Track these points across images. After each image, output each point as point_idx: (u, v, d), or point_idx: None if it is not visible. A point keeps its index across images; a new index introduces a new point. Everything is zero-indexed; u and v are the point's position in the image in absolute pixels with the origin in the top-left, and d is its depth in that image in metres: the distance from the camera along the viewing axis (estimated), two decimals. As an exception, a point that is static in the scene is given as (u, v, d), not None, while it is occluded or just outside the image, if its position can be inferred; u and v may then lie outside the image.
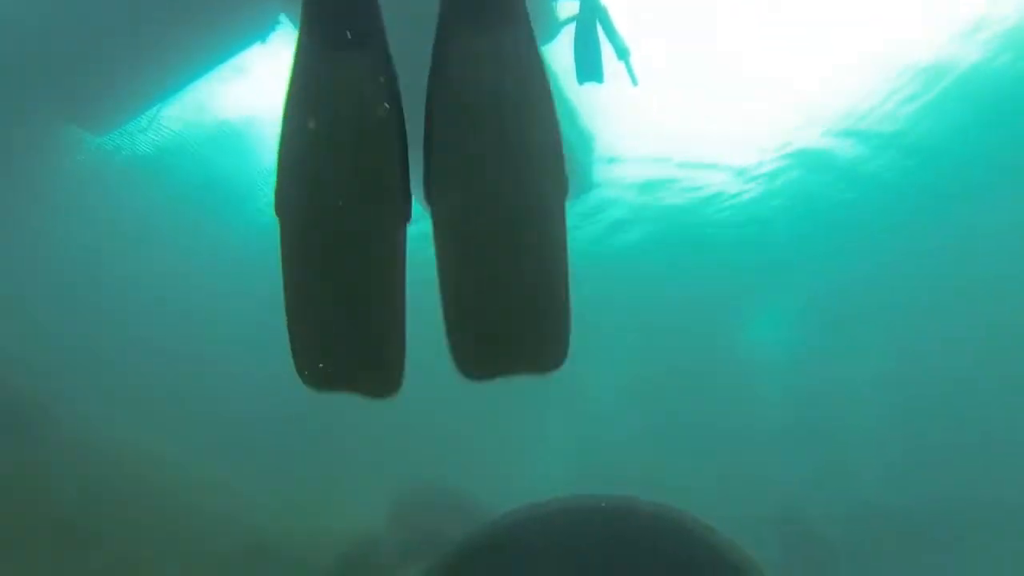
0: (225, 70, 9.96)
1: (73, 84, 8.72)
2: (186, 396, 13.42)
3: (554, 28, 7.49)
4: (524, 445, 18.23)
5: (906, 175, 13.82)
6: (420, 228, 1.66)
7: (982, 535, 11.42)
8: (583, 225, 15.12)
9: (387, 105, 1.56)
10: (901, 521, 12.36)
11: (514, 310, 1.62)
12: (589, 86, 6.46)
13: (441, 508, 10.20)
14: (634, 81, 6.31)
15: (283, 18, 8.44)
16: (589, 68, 6.35)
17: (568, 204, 1.65)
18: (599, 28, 6.15)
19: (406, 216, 1.64)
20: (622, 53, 6.22)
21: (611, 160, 13.30)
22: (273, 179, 1.63)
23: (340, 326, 1.64)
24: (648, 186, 14.62)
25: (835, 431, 15.74)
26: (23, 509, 6.43)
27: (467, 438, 16.26)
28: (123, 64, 8.56)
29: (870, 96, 12.19)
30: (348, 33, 1.54)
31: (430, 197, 1.63)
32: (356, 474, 12.99)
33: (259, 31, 8.77)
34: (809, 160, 13.86)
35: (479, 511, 10.67)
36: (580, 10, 6.29)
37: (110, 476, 8.49)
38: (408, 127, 1.62)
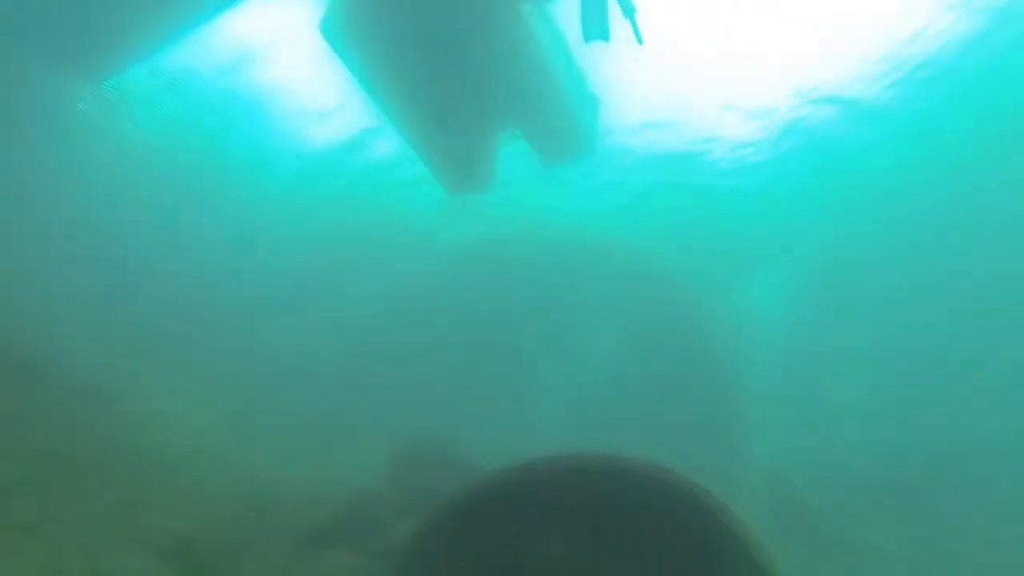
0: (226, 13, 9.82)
1: (70, 28, 8.54)
2: (190, 347, 13.55)
3: (560, -14, 7.33)
4: (520, 402, 18.49)
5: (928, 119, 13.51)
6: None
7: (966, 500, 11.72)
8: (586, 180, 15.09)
9: None
10: (885, 487, 12.66)
11: None
12: (595, 44, 6.38)
13: (438, 464, 10.40)
14: (639, 40, 6.21)
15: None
16: (595, 27, 6.25)
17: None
18: None
19: None
20: (628, 11, 6.10)
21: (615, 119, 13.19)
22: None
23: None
24: (652, 135, 14.51)
25: (827, 394, 15.95)
26: (23, 449, 6.54)
27: (463, 395, 16.48)
28: (120, 6, 8.39)
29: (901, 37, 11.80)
30: None
31: None
32: (354, 429, 13.20)
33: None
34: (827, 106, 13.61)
35: (475, 467, 10.90)
36: None
37: (110, 420, 8.63)
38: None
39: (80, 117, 12.08)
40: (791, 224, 16.17)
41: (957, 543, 11.42)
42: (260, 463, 9.89)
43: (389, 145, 14.63)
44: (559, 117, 9.37)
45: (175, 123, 14.07)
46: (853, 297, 16.39)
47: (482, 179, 10.53)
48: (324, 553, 7.78)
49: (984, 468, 12.28)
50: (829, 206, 15.68)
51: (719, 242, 16.51)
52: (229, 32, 11.39)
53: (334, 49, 8.45)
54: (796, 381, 16.63)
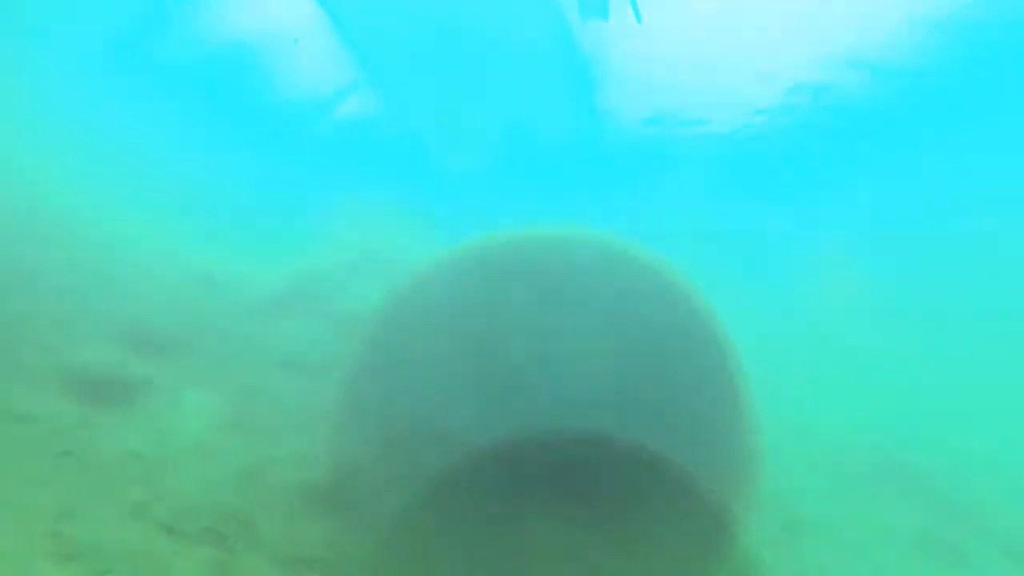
0: None
1: None
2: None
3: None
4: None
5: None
6: None
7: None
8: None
9: None
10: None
11: None
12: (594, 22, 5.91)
13: (380, 223, 10.48)
14: (638, 18, 5.77)
15: None
16: (594, 5, 5.73)
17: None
18: None
19: None
20: None
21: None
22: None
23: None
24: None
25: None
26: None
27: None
28: None
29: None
30: None
31: None
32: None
33: None
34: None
35: (423, 227, 11.11)
36: None
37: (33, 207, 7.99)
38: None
39: None
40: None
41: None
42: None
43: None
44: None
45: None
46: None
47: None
48: (276, 327, 8.06)
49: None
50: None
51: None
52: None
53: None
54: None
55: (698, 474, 4.90)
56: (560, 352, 4.99)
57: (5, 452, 3.77)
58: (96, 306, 6.37)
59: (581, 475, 5.03)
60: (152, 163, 12.22)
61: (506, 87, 9.20)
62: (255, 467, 5.12)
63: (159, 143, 12.60)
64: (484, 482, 4.44)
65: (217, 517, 4.31)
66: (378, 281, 8.77)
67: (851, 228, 15.51)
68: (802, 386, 10.03)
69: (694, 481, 4.83)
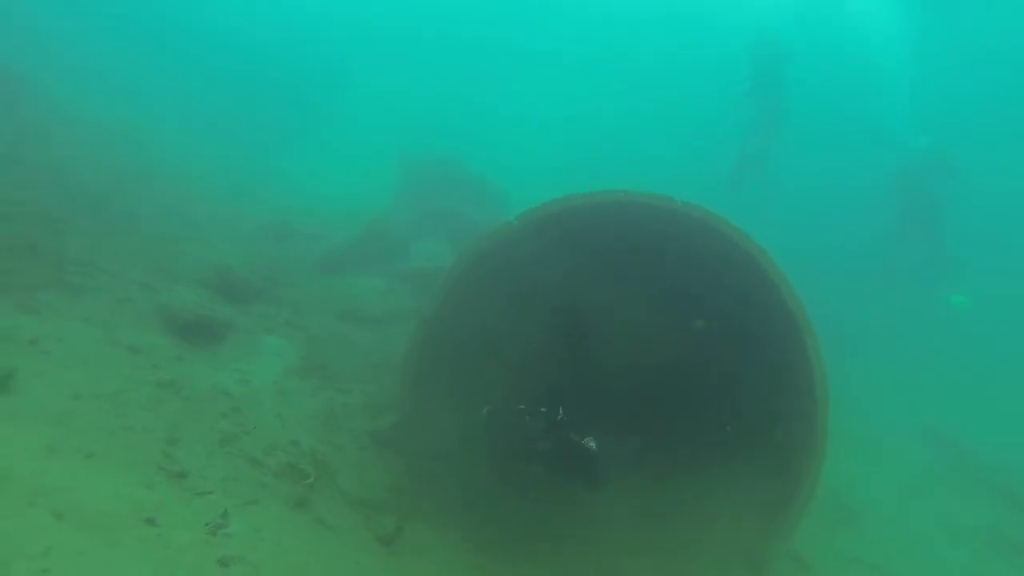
0: None
1: None
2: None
3: None
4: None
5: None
6: None
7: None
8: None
9: None
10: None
11: None
12: None
13: (447, 182, 10.61)
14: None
15: None
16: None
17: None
18: None
19: None
20: None
21: None
22: None
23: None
24: None
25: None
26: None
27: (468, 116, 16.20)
28: None
29: None
30: None
31: None
32: (364, 151, 13.14)
33: None
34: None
35: (486, 186, 11.20)
36: None
37: (121, 155, 8.48)
38: None
39: None
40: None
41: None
42: (277, 191, 10.04)
43: None
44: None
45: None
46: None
47: None
48: (348, 280, 8.32)
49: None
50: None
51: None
52: None
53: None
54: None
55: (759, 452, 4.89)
56: (629, 315, 5.01)
57: (118, 377, 4.10)
58: (187, 252, 6.75)
59: (645, 434, 5.09)
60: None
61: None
62: (330, 411, 5.39)
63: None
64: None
65: (296, 455, 4.58)
66: (447, 240, 8.97)
67: None
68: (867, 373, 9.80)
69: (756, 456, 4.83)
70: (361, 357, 6.58)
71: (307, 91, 16.05)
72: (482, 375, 4.81)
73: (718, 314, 4.96)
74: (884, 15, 15.53)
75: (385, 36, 23.11)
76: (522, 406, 4.09)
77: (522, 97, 22.79)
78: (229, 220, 8.44)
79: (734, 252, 4.17)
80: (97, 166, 7.95)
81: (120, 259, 5.72)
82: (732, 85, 13.43)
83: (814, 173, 18.23)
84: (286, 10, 19.45)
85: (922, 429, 8.89)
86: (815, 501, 4.33)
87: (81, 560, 2.47)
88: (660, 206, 4.19)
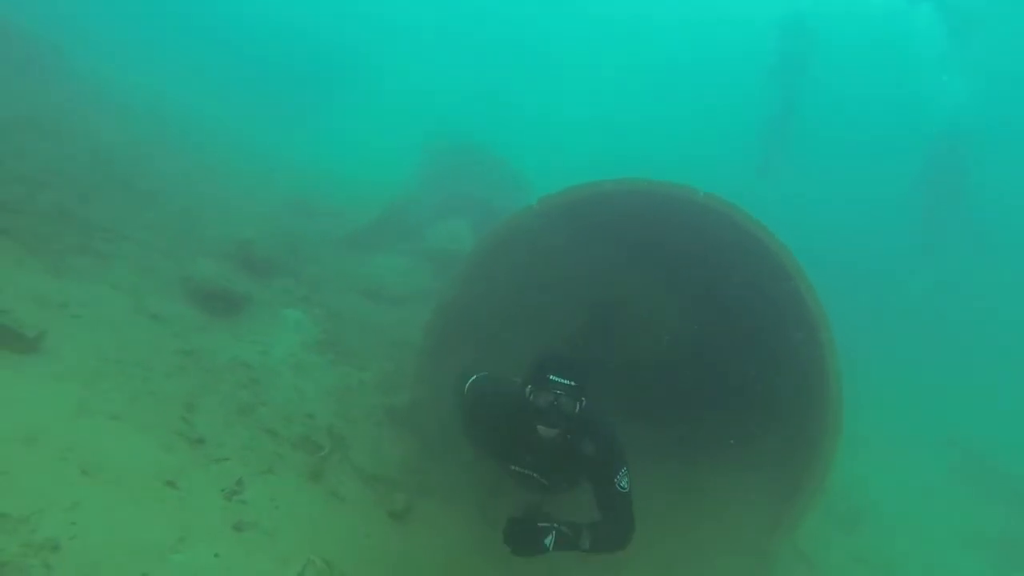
0: None
1: None
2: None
3: None
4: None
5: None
6: None
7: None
8: None
9: None
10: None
11: None
12: None
13: (469, 168, 10.62)
14: None
15: None
16: None
17: None
18: None
19: None
20: None
21: None
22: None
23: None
24: None
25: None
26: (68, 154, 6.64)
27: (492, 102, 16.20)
28: None
29: None
30: None
31: None
32: (387, 133, 13.21)
33: None
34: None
35: (508, 175, 11.21)
36: None
37: (149, 128, 8.61)
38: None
39: None
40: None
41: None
42: (300, 169, 10.12)
43: None
44: None
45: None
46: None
47: None
48: (367, 257, 8.38)
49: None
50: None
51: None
52: None
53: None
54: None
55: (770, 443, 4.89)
56: (647, 303, 5.02)
57: (142, 344, 4.21)
58: (210, 225, 6.85)
59: (659, 406, 5.07)
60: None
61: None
62: (345, 386, 5.47)
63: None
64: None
65: (312, 428, 4.67)
66: (468, 222, 8.99)
67: None
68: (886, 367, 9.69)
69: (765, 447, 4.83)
70: (380, 334, 6.64)
71: (334, 74, 16.14)
72: (499, 358, 4.84)
73: (731, 304, 4.95)
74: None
75: (416, 25, 23.11)
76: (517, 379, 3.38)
77: (548, 89, 22.72)
78: (253, 196, 8.53)
79: (752, 244, 4.15)
80: (127, 139, 8.08)
81: (146, 229, 5.84)
82: (757, 61, 13.33)
83: (840, 156, 17.85)
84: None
85: (941, 432, 8.81)
86: (823, 496, 4.33)
87: (106, 515, 2.57)
88: (682, 196, 4.18)
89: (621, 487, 3.22)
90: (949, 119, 12.76)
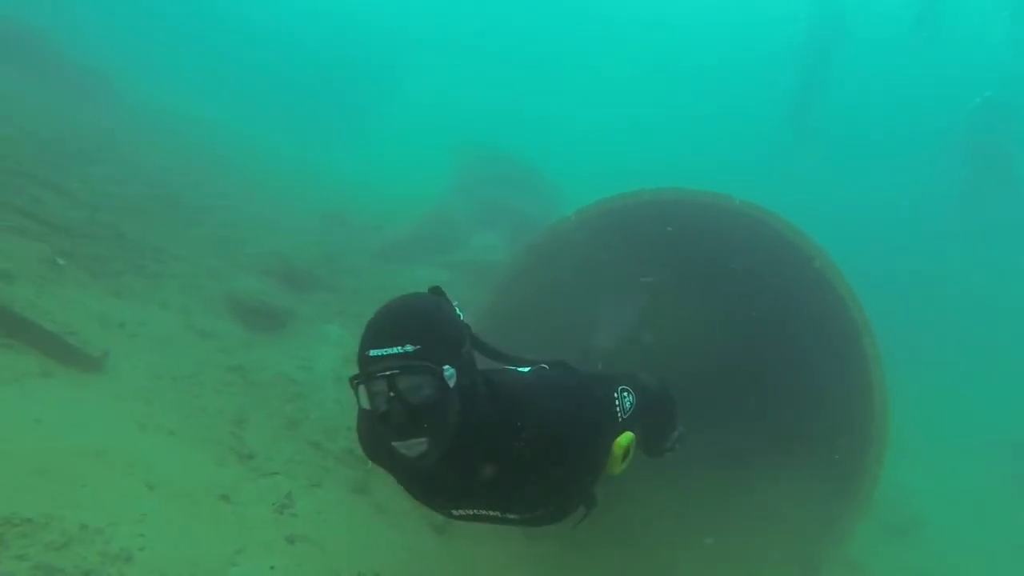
0: None
1: None
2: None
3: None
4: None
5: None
6: None
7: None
8: None
9: None
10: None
11: None
12: None
13: (502, 179, 10.70)
14: None
15: None
16: None
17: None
18: None
19: None
20: None
21: None
22: None
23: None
24: None
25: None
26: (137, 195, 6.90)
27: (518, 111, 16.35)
28: None
29: None
30: None
31: None
32: (419, 145, 13.42)
33: None
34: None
35: (540, 184, 11.27)
36: None
37: (192, 150, 8.95)
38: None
39: None
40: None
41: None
42: (336, 185, 10.37)
43: None
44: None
45: None
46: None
47: None
48: (405, 270, 8.50)
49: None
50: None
51: None
52: None
53: None
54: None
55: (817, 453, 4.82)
56: (687, 317, 4.99)
57: (192, 361, 4.37)
58: (252, 241, 7.05)
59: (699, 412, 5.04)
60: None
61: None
62: (386, 400, 5.56)
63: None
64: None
65: (355, 442, 4.75)
66: (503, 234, 9.06)
67: None
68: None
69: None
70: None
71: (366, 90, 16.49)
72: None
73: (771, 312, 4.89)
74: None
75: (444, 37, 23.41)
76: None
77: (570, 96, 22.77)
78: (291, 212, 8.75)
79: (787, 250, 4.12)
80: (174, 163, 8.39)
81: (192, 247, 6.05)
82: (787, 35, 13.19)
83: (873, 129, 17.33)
84: (347, 8, 19.93)
85: (993, 437, 8.52)
86: (871, 506, 4.25)
87: (170, 529, 2.68)
88: (719, 204, 4.17)
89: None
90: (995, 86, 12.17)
